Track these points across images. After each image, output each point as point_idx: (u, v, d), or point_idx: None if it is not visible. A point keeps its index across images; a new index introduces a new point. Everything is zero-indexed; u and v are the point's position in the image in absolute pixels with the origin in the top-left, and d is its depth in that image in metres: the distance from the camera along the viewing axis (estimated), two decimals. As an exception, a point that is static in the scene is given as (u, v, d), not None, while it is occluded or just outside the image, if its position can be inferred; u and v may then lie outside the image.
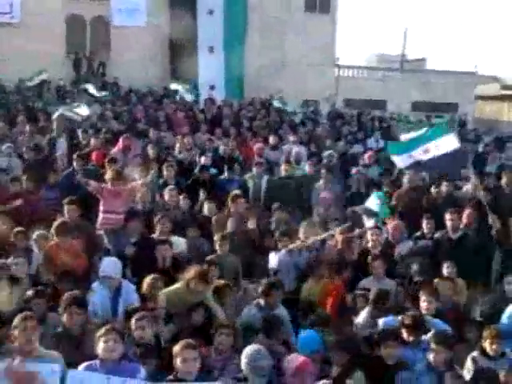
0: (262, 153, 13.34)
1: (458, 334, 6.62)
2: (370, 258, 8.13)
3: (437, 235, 8.95)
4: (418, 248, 8.83)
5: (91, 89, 20.99)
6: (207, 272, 7.15)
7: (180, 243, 8.65)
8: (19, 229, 8.43)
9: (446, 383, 5.63)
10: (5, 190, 10.20)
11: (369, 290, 7.45)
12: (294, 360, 5.51)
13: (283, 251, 8.30)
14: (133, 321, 5.90)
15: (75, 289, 6.49)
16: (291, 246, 8.30)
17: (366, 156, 13.43)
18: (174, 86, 22.51)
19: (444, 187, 10.65)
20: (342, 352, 5.88)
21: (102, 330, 5.28)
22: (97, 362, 5.20)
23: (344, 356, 5.88)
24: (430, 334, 6.06)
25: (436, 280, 7.48)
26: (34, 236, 8.34)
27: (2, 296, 6.38)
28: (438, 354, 5.77)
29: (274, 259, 8.39)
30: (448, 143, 9.30)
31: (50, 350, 5.42)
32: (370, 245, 8.66)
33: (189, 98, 21.06)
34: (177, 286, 7.08)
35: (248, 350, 5.50)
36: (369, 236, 8.78)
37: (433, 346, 5.82)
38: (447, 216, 8.86)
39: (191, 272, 6.97)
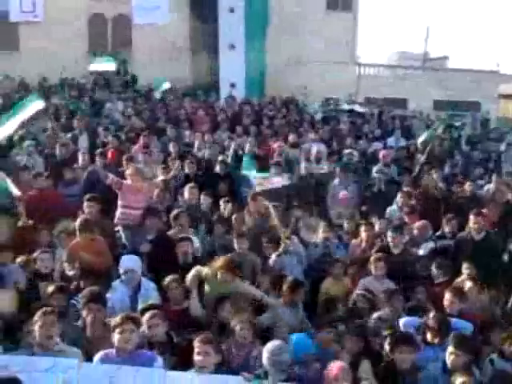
0: (281, 151, 13.30)
1: (483, 336, 6.56)
2: (372, 258, 8.04)
3: (459, 235, 8.87)
4: (440, 248, 8.79)
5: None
6: (235, 262, 7.14)
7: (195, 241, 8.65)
8: (43, 225, 8.54)
9: None
10: (27, 187, 10.30)
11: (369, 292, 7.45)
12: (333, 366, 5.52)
13: (273, 256, 8.31)
14: (144, 319, 5.86)
15: (97, 285, 6.55)
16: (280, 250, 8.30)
17: (382, 154, 13.39)
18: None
19: (467, 186, 10.58)
20: (354, 339, 5.98)
21: (118, 320, 5.30)
22: (113, 350, 5.24)
23: (356, 343, 5.99)
24: (450, 336, 5.98)
25: (461, 280, 7.41)
26: (57, 232, 8.42)
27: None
28: (456, 357, 5.65)
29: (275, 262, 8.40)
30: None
31: (69, 346, 5.46)
32: (390, 244, 8.58)
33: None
34: (207, 272, 7.06)
35: (270, 345, 5.52)
36: (389, 236, 8.70)
37: (451, 349, 5.71)
38: (471, 217, 8.74)
39: (219, 261, 6.97)
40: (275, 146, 13.62)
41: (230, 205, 9.82)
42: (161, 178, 10.16)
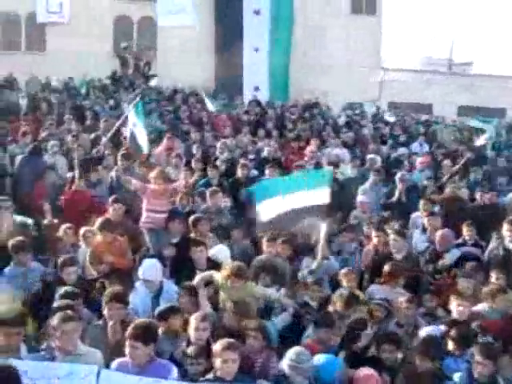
0: (313, 156, 13.16)
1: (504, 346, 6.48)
2: (387, 265, 7.88)
3: (491, 247, 8.76)
4: (467, 255, 8.71)
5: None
6: (242, 267, 7.04)
7: (224, 250, 8.52)
8: (68, 225, 8.61)
9: None
10: (53, 187, 10.41)
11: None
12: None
13: (305, 271, 8.08)
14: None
15: (120, 286, 6.57)
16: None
17: (419, 161, 13.25)
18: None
19: (490, 196, 10.47)
20: None
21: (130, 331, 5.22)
22: (128, 359, 5.19)
23: None
24: (474, 346, 5.90)
25: (489, 289, 7.32)
26: (82, 232, 8.48)
27: None
28: (483, 366, 5.57)
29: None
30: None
31: (90, 347, 5.46)
32: (392, 250, 8.45)
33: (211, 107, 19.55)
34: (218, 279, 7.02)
35: (293, 351, 5.48)
36: (391, 241, 8.54)
37: (479, 358, 5.62)
38: (505, 225, 8.60)
39: (226, 269, 6.90)
40: (307, 150, 13.54)
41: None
42: (183, 181, 10.16)
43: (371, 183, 11.23)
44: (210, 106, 19.02)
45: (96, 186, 10.59)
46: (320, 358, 5.61)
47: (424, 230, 9.45)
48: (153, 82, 20.99)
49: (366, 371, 5.50)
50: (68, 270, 7.06)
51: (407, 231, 9.57)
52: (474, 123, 20.45)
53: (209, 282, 7.03)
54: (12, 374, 4.30)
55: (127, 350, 5.14)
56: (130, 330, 5.22)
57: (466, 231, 9.10)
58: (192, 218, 8.91)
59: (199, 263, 7.82)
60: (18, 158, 11.33)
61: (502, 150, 18.39)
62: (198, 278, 6.99)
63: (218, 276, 6.97)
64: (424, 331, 6.48)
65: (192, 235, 8.63)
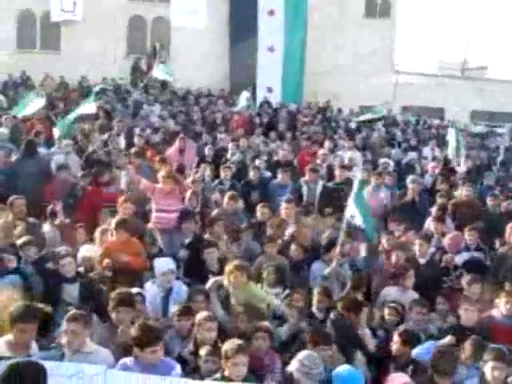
0: (325, 159, 13.16)
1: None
2: (401, 268, 7.98)
3: (501, 250, 8.79)
4: (473, 261, 8.70)
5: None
6: (244, 263, 7.11)
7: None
8: (80, 224, 8.68)
9: None
10: (65, 185, 10.46)
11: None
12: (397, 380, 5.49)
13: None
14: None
15: (130, 286, 6.60)
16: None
17: (430, 167, 13.24)
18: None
19: (503, 201, 10.46)
20: None
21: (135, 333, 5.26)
22: (132, 359, 5.24)
23: None
24: (487, 352, 5.85)
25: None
26: (98, 231, 8.47)
27: None
28: (498, 370, 5.61)
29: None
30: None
31: (99, 346, 5.50)
32: (417, 253, 8.55)
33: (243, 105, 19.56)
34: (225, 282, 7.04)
35: (304, 355, 5.47)
36: (417, 246, 8.65)
37: (493, 363, 5.65)
38: None
39: (229, 266, 6.95)
40: (319, 153, 13.55)
41: (265, 209, 9.67)
42: (190, 179, 10.16)
43: (373, 187, 11.19)
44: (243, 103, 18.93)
45: (108, 185, 10.64)
46: (344, 369, 5.51)
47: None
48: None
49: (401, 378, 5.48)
50: (63, 262, 7.07)
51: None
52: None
53: (220, 286, 7.05)
54: (40, 371, 4.30)
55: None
56: (133, 335, 5.24)
57: (469, 235, 9.13)
58: (209, 218, 8.94)
59: (210, 264, 7.85)
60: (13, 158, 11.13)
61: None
62: (211, 281, 7.00)
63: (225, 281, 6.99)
64: (414, 352, 6.34)
65: (206, 236, 8.67)
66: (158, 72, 20.12)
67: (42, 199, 9.88)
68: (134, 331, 5.25)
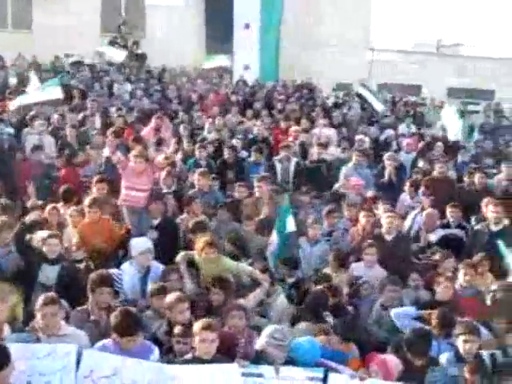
0: (297, 136, 13.13)
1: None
2: (364, 243, 8.06)
3: (476, 228, 8.80)
4: (451, 236, 8.76)
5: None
6: (213, 239, 7.21)
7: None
8: (53, 205, 8.56)
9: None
10: (39, 166, 10.34)
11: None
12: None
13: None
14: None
15: (106, 267, 6.56)
16: None
17: (405, 143, 13.28)
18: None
19: (477, 178, 10.50)
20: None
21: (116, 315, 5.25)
22: (110, 341, 5.23)
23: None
24: (457, 325, 5.95)
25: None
26: (69, 212, 8.42)
27: None
28: (470, 343, 5.71)
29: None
30: None
31: (76, 329, 5.48)
32: (383, 230, 8.54)
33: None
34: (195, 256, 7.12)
35: (272, 329, 5.45)
36: (384, 220, 8.63)
37: (464, 336, 5.74)
38: (491, 207, 8.64)
39: (199, 242, 7.04)
40: (291, 130, 13.50)
41: (244, 189, 9.67)
42: (162, 156, 10.00)
43: (355, 164, 11.19)
44: None
45: (83, 166, 10.52)
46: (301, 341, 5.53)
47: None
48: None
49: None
50: (49, 242, 6.99)
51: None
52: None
53: (191, 262, 7.09)
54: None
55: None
56: (113, 321, 5.21)
57: (450, 212, 9.15)
58: (186, 197, 8.91)
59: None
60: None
61: (489, 132, 18.38)
62: (181, 254, 7.10)
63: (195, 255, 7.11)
64: (393, 312, 6.55)
65: (185, 215, 8.65)
66: None
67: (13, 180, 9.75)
68: (113, 318, 5.22)
